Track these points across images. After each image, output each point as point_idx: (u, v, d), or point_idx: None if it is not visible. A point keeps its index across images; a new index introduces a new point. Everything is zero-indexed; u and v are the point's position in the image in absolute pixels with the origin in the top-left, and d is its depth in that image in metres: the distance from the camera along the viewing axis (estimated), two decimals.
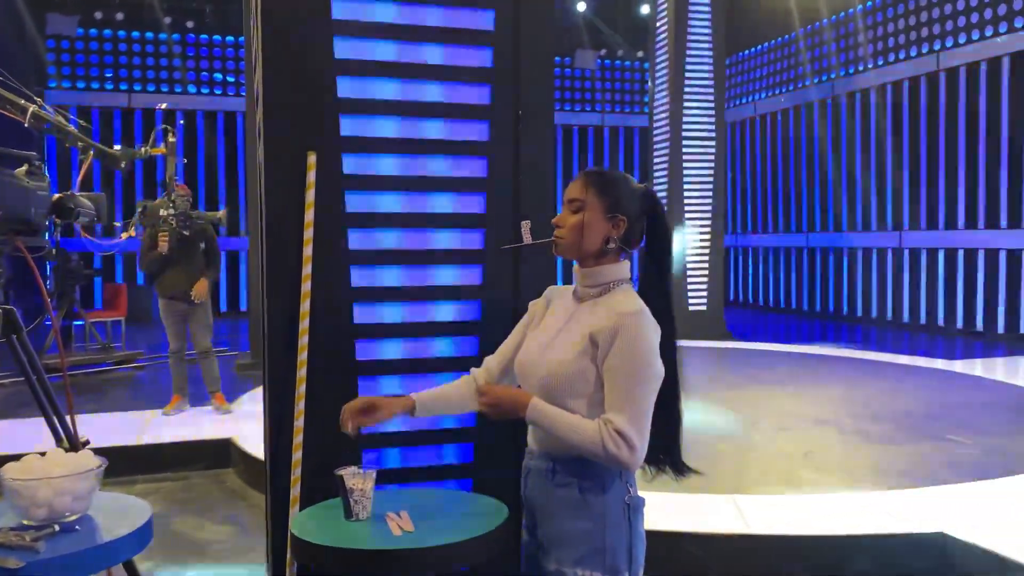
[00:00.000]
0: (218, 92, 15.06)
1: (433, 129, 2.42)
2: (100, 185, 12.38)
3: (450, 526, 1.91)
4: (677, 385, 1.94)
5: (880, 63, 13.36)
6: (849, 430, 5.98)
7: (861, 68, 13.75)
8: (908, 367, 9.02)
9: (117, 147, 4.03)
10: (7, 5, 12.08)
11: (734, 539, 3.88)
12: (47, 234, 3.23)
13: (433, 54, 2.40)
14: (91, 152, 3.53)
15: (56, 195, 2.87)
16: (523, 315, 2.07)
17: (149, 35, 14.60)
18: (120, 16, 14.36)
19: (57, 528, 1.84)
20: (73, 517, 1.88)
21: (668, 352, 1.87)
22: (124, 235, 4.84)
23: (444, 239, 2.45)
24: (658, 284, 1.93)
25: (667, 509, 4.00)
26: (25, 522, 1.90)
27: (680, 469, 1.99)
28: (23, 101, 3.01)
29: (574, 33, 15.97)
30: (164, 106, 13.99)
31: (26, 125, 2.97)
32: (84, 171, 3.96)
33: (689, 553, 3.81)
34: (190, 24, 14.72)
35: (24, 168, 2.75)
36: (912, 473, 4.84)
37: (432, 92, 2.41)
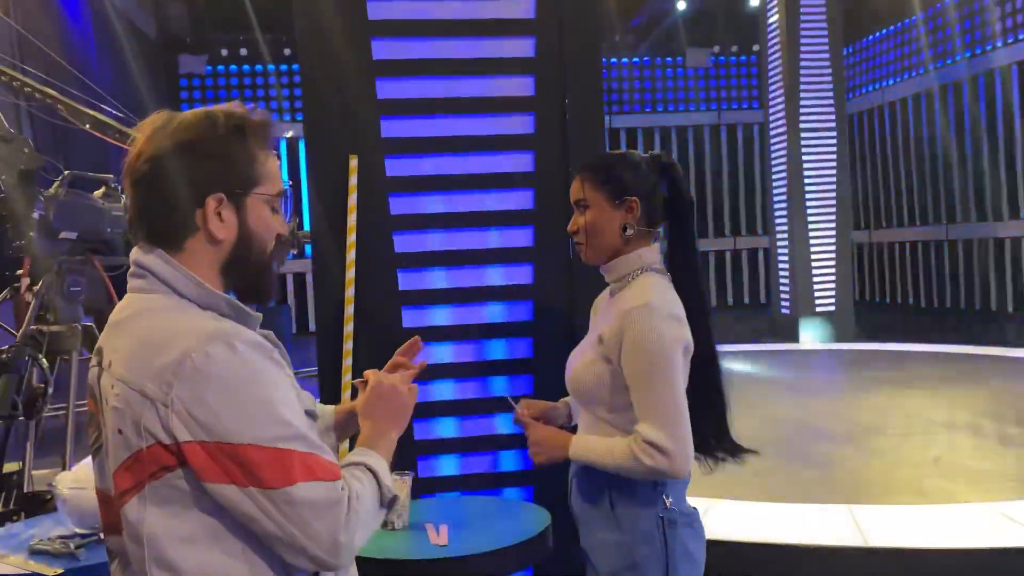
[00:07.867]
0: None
1: (476, 125, 2.33)
2: None
3: (488, 534, 1.83)
4: (714, 361, 1.75)
5: (1010, 40, 12.33)
6: (987, 435, 5.48)
7: (990, 47, 12.74)
8: None
9: None
10: (142, 51, 12.96)
11: (848, 553, 3.59)
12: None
13: (471, 48, 2.32)
14: None
15: None
16: (579, 317, 1.98)
17: (259, 68, 15.27)
18: (244, 52, 15.13)
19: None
20: None
21: (699, 327, 1.69)
22: None
23: (493, 238, 2.35)
24: (684, 255, 1.77)
25: (776, 518, 3.76)
26: (77, 530, 1.96)
27: (735, 452, 1.79)
28: (129, 129, 3.15)
29: (683, 31, 15.59)
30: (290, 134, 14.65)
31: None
32: None
33: (799, 568, 3.55)
34: (287, 52, 15.10)
35: (102, 191, 2.88)
36: None
37: (473, 87, 2.33)
